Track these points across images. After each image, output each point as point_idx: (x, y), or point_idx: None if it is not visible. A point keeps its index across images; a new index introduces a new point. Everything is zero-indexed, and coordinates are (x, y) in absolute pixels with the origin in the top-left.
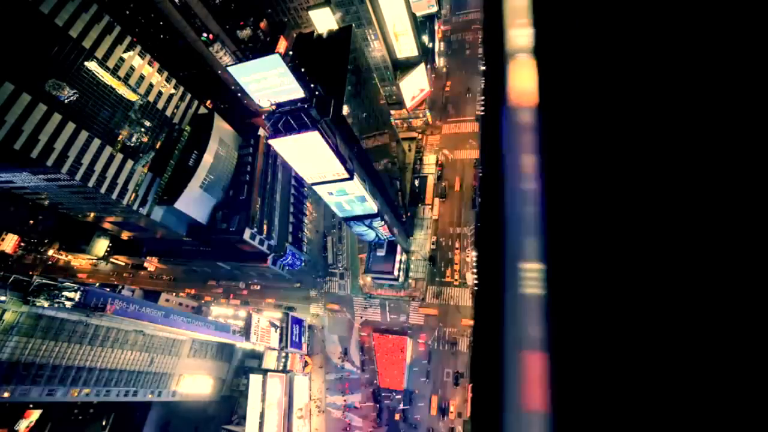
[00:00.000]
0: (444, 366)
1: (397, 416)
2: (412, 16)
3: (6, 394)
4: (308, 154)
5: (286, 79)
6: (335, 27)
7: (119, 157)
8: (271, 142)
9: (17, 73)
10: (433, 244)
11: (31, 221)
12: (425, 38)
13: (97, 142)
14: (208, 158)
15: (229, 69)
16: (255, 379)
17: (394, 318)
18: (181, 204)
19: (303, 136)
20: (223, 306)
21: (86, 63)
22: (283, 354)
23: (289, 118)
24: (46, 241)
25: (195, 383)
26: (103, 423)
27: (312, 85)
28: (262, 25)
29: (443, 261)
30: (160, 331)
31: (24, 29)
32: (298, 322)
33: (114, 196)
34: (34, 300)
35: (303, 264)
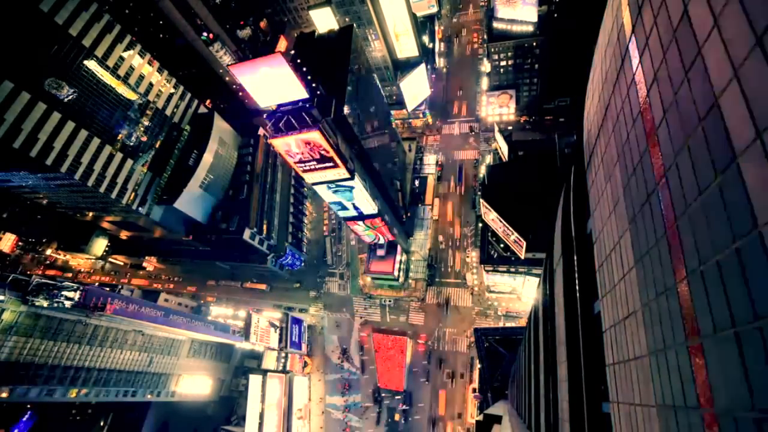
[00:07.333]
0: (444, 366)
1: (397, 416)
2: (413, 16)
3: (4, 394)
4: (309, 154)
5: (288, 78)
6: (336, 27)
7: (119, 156)
8: (272, 141)
9: (17, 71)
10: (432, 244)
11: (30, 220)
12: (425, 38)
13: (96, 141)
14: (207, 158)
15: (230, 68)
16: (254, 380)
17: (394, 318)
18: (180, 203)
19: (304, 135)
20: (223, 306)
21: (86, 62)
22: (283, 354)
23: (290, 118)
24: (44, 240)
25: (194, 383)
26: (102, 423)
27: (313, 85)
28: (263, 24)
29: (443, 261)
30: (159, 331)
31: (24, 27)
32: (298, 322)
33: (113, 195)
34: (33, 299)
35: (303, 264)
